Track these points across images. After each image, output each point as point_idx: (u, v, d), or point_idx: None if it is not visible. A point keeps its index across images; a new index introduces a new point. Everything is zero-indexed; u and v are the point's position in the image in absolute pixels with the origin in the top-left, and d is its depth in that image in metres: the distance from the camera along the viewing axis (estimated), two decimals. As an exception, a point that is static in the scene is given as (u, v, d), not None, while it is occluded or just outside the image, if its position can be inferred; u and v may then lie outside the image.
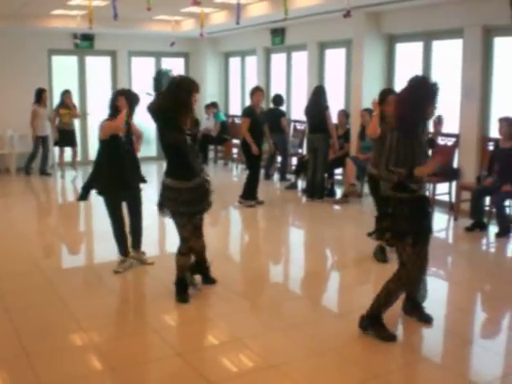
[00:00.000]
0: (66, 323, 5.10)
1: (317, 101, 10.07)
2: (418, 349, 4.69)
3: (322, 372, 4.28)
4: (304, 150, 11.90)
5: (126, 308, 5.73)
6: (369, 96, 10.19)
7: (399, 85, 10.21)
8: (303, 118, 11.51)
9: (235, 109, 15.14)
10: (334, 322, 5.22)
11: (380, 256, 6.71)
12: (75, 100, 13.80)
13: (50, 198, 11.90)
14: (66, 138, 12.98)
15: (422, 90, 4.52)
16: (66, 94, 13.02)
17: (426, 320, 5.02)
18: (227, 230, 9.13)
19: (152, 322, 5.15)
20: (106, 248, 7.05)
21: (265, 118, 10.01)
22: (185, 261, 5.48)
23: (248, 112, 9.77)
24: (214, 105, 14.73)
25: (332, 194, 10.53)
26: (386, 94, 6.69)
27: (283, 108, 12.37)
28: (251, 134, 9.56)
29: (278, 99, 12.21)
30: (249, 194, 9.78)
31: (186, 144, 5.23)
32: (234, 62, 15.40)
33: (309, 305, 5.72)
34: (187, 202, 5.27)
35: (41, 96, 12.84)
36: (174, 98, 5.14)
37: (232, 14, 11.53)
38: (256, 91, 9.75)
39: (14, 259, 6.95)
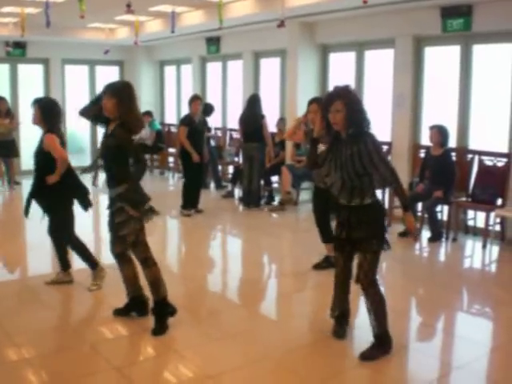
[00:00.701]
0: (-2, 339, 4.99)
1: (252, 109, 10.14)
2: (353, 355, 4.74)
3: (259, 381, 4.31)
4: (240, 159, 11.95)
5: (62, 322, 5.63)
6: (303, 104, 10.32)
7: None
8: (236, 127, 11.65)
9: (171, 117, 15.09)
10: (271, 330, 5.24)
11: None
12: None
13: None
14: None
15: None
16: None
17: None
18: (163, 239, 9.09)
19: (88, 336, 5.08)
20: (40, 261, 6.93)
21: (203, 127, 9.96)
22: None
23: (185, 120, 9.74)
24: (148, 113, 14.60)
25: (271, 201, 10.60)
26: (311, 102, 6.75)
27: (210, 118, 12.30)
28: (190, 142, 9.54)
29: (206, 108, 12.04)
30: (188, 203, 9.75)
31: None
32: (170, 71, 15.36)
33: (247, 313, 5.74)
34: None
35: None
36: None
37: (167, 22, 11.49)
38: (194, 100, 9.71)
39: None
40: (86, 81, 14.99)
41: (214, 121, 13.35)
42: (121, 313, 5.39)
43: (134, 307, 5.39)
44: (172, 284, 6.48)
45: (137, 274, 5.34)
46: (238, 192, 11.39)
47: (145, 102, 15.15)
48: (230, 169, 12.74)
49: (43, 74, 14.66)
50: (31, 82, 14.59)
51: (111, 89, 5.02)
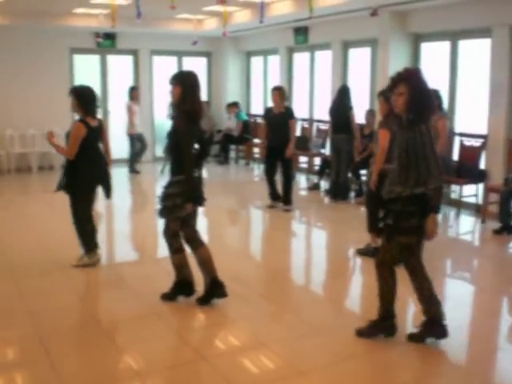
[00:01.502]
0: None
1: (341, 100, 9.94)
2: (445, 355, 4.52)
3: (350, 380, 4.16)
4: (327, 151, 11.79)
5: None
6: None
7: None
8: (326, 117, 11.43)
9: (257, 108, 15.04)
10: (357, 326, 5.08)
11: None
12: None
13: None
14: None
15: None
16: None
17: None
18: (247, 230, 9.05)
19: (174, 325, 5.05)
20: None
21: (281, 118, 9.37)
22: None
23: (264, 113, 9.81)
24: (235, 104, 14.67)
25: (360, 194, 10.28)
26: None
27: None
28: (268, 133, 9.41)
29: None
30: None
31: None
32: (256, 61, 15.29)
33: (332, 308, 5.59)
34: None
35: (132, 93, 13.02)
36: None
37: (255, 12, 11.43)
38: (272, 91, 9.49)
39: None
40: (174, 71, 15.07)
41: (300, 112, 13.28)
42: (169, 297, 5.43)
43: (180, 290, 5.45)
44: (255, 276, 6.47)
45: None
46: (323, 184, 11.23)
47: (231, 92, 15.24)
48: (317, 160, 12.58)
49: (132, 64, 14.87)
50: (120, 73, 14.83)
51: (177, 77, 5.15)
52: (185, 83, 5.07)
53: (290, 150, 9.23)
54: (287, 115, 9.31)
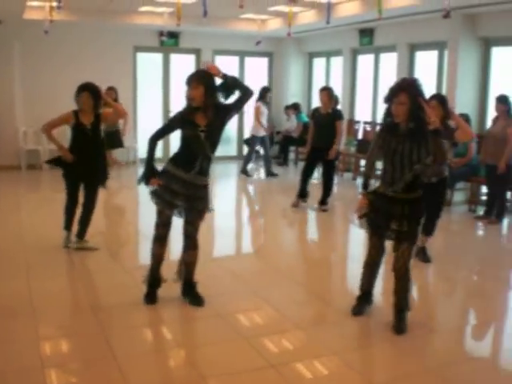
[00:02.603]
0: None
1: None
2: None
3: None
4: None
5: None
6: (462, 100, 9.84)
7: (494, 90, 9.86)
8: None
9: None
10: (428, 339, 4.93)
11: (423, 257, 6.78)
12: (159, 97, 13.96)
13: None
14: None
15: None
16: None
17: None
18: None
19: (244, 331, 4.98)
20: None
21: (328, 119, 9.29)
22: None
23: (311, 114, 9.72)
24: (294, 106, 14.56)
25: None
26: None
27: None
28: (313, 134, 9.37)
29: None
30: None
31: (197, 139, 5.02)
32: (319, 63, 15.14)
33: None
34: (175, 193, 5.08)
35: (264, 94, 12.61)
36: None
37: (320, 13, 11.34)
38: (320, 91, 9.43)
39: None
40: (235, 71, 15.03)
41: (363, 114, 13.13)
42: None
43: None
44: (313, 283, 6.36)
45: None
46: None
47: (292, 94, 15.15)
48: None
49: (195, 64, 14.90)
50: (183, 72, 14.82)
51: (196, 78, 4.99)
52: (207, 82, 4.97)
53: (333, 151, 9.23)
54: (335, 116, 9.29)
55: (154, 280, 5.36)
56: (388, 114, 4.66)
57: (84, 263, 6.65)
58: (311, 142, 9.48)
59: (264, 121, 12.63)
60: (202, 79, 4.96)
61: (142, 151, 13.91)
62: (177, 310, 5.28)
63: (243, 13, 12.34)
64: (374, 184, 5.12)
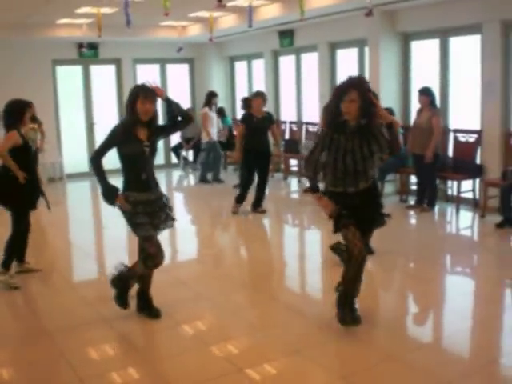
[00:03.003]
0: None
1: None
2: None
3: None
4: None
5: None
6: (386, 94, 10.11)
7: (416, 83, 10.18)
8: (315, 119, 11.60)
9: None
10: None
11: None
12: (81, 109, 13.76)
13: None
14: None
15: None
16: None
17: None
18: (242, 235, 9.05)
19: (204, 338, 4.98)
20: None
21: (263, 124, 9.38)
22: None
23: (243, 118, 9.53)
24: (219, 111, 14.52)
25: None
26: None
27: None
28: (249, 140, 9.25)
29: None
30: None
31: (142, 155, 4.96)
32: (240, 66, 15.24)
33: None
34: (148, 214, 5.01)
35: (210, 100, 12.40)
36: (126, 107, 5.01)
37: (241, 17, 11.42)
38: (255, 97, 9.43)
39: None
40: (157, 79, 14.92)
41: (288, 115, 13.31)
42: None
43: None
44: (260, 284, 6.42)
45: None
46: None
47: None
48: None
49: (115, 74, 14.74)
50: (103, 83, 14.68)
51: (154, 93, 4.97)
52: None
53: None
54: (271, 119, 9.45)
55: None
56: (336, 112, 4.69)
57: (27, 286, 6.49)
58: (245, 146, 9.35)
59: (212, 127, 12.49)
60: (155, 95, 4.97)
61: (69, 166, 13.75)
62: (134, 324, 5.24)
63: (164, 20, 12.30)
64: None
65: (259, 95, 9.43)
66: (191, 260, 7.57)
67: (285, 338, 4.81)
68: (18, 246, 6.48)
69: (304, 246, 8.32)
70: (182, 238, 8.43)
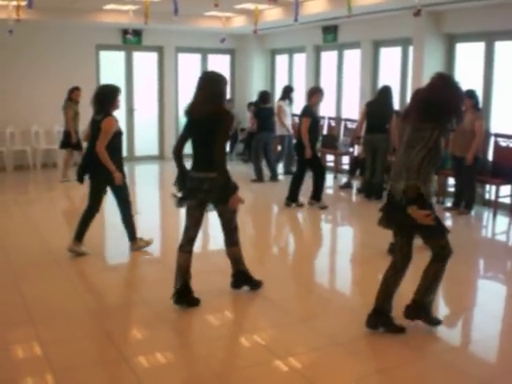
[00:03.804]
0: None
1: (382, 100, 9.82)
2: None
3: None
4: (355, 149, 11.85)
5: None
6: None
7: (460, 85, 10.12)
8: (354, 116, 11.57)
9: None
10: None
11: None
12: (122, 95, 13.81)
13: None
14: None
15: None
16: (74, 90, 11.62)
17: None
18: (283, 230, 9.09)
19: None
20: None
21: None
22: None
23: (307, 112, 9.34)
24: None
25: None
26: None
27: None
28: (310, 134, 9.24)
29: (265, 96, 12.11)
30: (294, 195, 9.65)
31: None
32: (281, 59, 15.28)
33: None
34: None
35: (287, 93, 12.18)
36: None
37: (286, 10, 11.46)
38: (316, 92, 9.51)
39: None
40: (197, 69, 15.06)
41: (327, 111, 13.30)
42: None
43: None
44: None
45: None
46: (356, 183, 11.31)
47: (256, 91, 15.19)
48: (344, 159, 12.68)
49: (157, 61, 14.89)
50: (146, 70, 14.84)
51: None
52: None
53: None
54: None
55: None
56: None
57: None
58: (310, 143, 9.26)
59: (287, 120, 12.26)
60: None
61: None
62: (176, 308, 5.33)
63: (208, 10, 12.39)
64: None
65: (320, 91, 9.56)
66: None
67: (324, 330, 4.89)
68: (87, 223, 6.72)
69: (339, 242, 8.36)
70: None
